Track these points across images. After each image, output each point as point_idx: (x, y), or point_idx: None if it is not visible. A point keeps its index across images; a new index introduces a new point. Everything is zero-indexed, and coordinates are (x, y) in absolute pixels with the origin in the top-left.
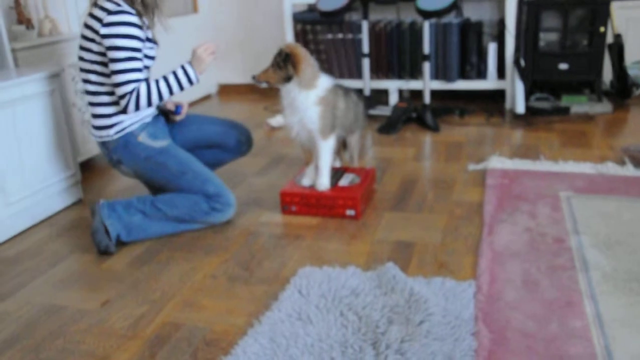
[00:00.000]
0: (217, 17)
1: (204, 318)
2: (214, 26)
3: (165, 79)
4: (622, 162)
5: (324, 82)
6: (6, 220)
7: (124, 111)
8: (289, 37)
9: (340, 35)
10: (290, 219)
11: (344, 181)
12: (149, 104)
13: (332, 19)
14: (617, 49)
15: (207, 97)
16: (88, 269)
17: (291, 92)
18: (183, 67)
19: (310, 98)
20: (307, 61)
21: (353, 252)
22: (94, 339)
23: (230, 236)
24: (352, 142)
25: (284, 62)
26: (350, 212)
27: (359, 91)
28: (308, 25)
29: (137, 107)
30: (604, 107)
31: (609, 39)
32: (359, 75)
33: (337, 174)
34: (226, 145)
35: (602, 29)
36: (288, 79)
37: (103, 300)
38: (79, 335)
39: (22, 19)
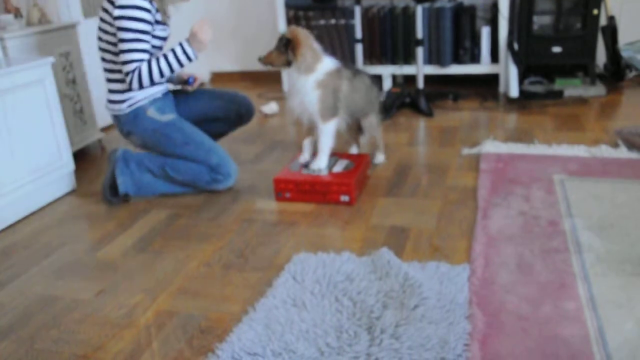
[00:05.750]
0: (209, 4)
1: (198, 306)
2: (206, 13)
3: (165, 57)
4: (615, 145)
5: (326, 65)
6: None
7: (129, 88)
8: (281, 23)
9: (332, 21)
10: (284, 206)
11: (338, 167)
12: (152, 81)
13: (324, 4)
14: (611, 32)
15: (200, 86)
16: (82, 258)
17: (292, 75)
18: (181, 45)
19: (309, 82)
20: (307, 46)
21: (347, 237)
22: (89, 328)
23: (224, 224)
24: (366, 125)
25: (285, 47)
26: (344, 197)
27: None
28: (300, 11)
29: (141, 85)
30: (598, 90)
31: (603, 21)
32: (352, 61)
33: (331, 160)
34: (228, 118)
35: (595, 12)
36: (288, 63)
37: (97, 289)
38: (74, 325)
39: (10, 7)
